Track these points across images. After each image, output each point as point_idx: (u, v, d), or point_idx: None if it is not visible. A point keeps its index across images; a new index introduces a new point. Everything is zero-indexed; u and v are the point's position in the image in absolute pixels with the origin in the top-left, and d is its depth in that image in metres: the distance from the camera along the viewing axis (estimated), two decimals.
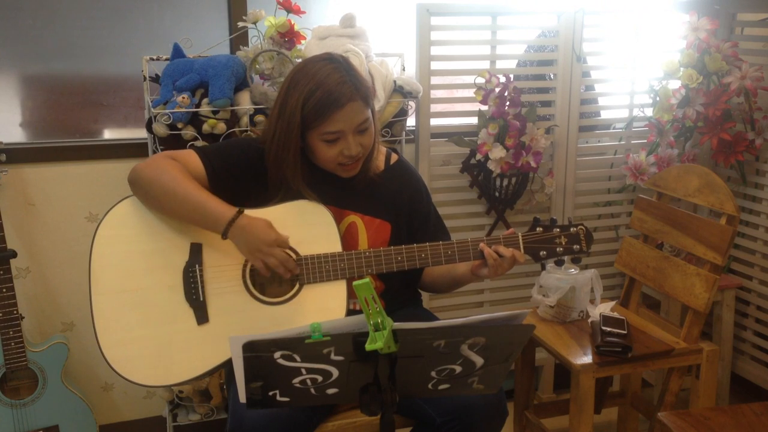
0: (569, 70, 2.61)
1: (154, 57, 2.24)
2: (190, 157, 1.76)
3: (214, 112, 2.15)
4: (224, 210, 1.65)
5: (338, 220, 1.80)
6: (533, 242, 1.80)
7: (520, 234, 1.80)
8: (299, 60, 2.23)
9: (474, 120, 2.52)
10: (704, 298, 2.05)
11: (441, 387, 1.41)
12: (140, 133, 2.40)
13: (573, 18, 2.57)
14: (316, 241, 1.75)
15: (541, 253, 1.80)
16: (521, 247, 1.79)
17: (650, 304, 2.73)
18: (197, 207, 1.66)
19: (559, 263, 1.86)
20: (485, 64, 2.55)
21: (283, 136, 1.73)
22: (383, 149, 1.96)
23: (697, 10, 2.58)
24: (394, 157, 1.96)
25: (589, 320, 2.17)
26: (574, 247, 1.81)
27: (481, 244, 1.76)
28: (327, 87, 1.68)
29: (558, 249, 1.81)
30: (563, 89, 2.62)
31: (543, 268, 1.87)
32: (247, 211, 1.69)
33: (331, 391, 1.34)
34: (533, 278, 2.63)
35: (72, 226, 2.37)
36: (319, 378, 1.31)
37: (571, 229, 1.82)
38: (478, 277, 1.82)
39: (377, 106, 2.21)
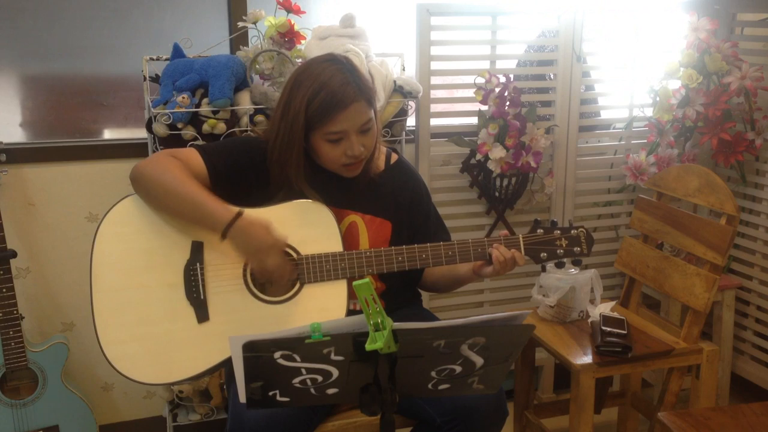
0: (569, 70, 2.61)
1: (154, 57, 2.24)
2: (192, 156, 1.76)
3: (214, 112, 2.15)
4: (224, 211, 1.65)
5: (339, 220, 1.80)
6: (534, 244, 1.80)
7: (521, 235, 1.80)
8: (299, 60, 2.23)
9: (474, 120, 2.52)
10: (704, 298, 2.05)
11: (441, 387, 1.41)
12: (140, 133, 2.40)
13: (573, 18, 2.57)
14: (316, 240, 1.75)
15: (542, 254, 1.80)
16: (522, 248, 1.79)
17: (650, 304, 2.73)
18: (198, 207, 1.66)
19: (560, 265, 1.86)
20: (485, 64, 2.55)
21: (287, 137, 1.74)
22: (383, 149, 1.96)
23: (697, 10, 2.58)
24: (394, 157, 1.96)
25: (589, 320, 2.17)
26: (575, 249, 1.81)
27: (491, 249, 1.76)
28: (331, 88, 1.68)
29: (558, 251, 1.81)
30: (563, 89, 2.62)
31: (543, 269, 1.87)
32: (248, 211, 1.69)
33: (331, 391, 1.34)
34: (533, 278, 2.63)
35: (72, 226, 2.37)
36: (319, 378, 1.31)
37: (572, 231, 1.82)
38: (480, 277, 1.82)
39: (377, 106, 2.21)
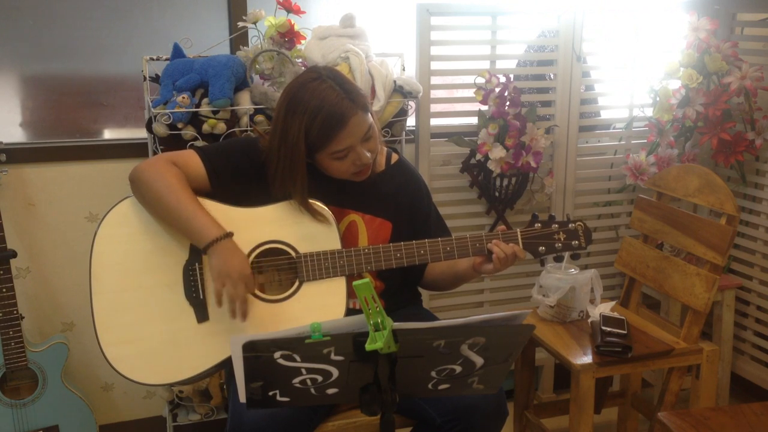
0: (569, 70, 2.60)
1: (154, 57, 2.24)
2: (191, 158, 1.77)
3: (214, 112, 2.15)
4: (211, 228, 1.65)
5: (338, 219, 1.80)
6: (532, 238, 1.80)
7: (518, 230, 1.80)
8: (299, 60, 2.23)
9: (474, 120, 2.52)
10: (704, 298, 2.05)
11: (441, 387, 1.41)
12: (140, 133, 2.40)
13: (573, 18, 2.56)
14: (315, 238, 1.75)
15: (540, 248, 1.80)
16: (520, 242, 1.79)
17: (650, 304, 2.73)
18: (185, 219, 1.66)
19: (558, 259, 1.86)
20: (485, 64, 2.55)
21: (289, 164, 1.73)
22: (384, 149, 1.96)
23: (697, 10, 2.58)
24: (394, 157, 1.96)
25: (589, 320, 2.17)
26: (573, 242, 1.81)
27: (490, 245, 1.76)
28: (327, 109, 1.67)
29: (557, 245, 1.80)
30: (563, 89, 2.62)
31: (542, 264, 1.86)
32: (249, 210, 1.69)
33: (331, 391, 1.34)
34: (533, 278, 2.63)
35: (72, 226, 2.37)
36: (319, 378, 1.31)
37: (570, 225, 1.82)
38: (480, 273, 1.82)
39: (377, 106, 2.21)
